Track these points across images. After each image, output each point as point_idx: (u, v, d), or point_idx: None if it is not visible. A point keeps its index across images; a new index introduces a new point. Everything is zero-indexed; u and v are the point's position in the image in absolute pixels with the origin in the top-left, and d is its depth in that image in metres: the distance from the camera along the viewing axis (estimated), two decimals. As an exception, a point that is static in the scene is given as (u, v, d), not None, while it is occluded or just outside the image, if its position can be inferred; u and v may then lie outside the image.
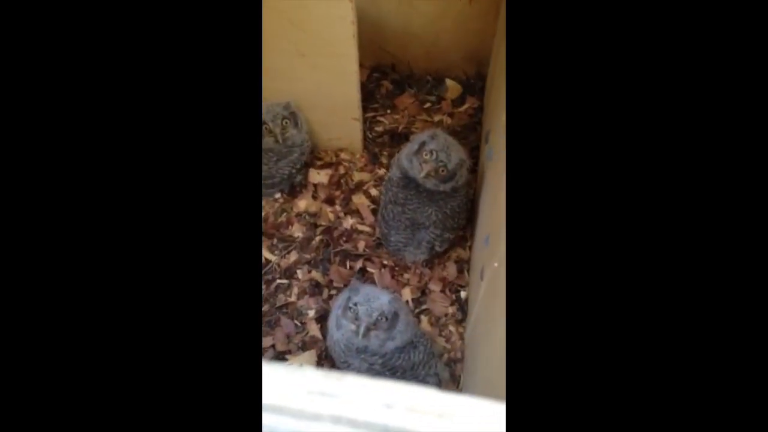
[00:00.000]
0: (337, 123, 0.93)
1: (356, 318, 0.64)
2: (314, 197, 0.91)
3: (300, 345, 0.75)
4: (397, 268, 0.83)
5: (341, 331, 0.64)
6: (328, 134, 0.95)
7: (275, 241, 0.85)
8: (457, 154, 0.74)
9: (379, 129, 1.02)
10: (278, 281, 0.81)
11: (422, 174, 0.73)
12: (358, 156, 0.98)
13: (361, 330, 0.63)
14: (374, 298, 0.64)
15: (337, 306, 0.67)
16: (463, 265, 0.84)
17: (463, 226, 0.83)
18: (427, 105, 1.04)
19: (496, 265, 0.55)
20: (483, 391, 0.57)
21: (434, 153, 0.73)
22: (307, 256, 0.83)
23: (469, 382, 0.67)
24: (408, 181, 0.76)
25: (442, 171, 0.73)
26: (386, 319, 0.64)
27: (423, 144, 0.74)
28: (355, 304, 0.64)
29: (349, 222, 0.88)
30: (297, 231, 0.86)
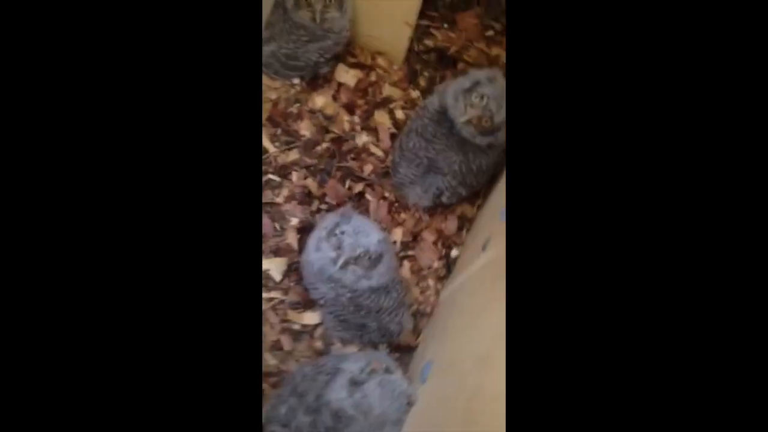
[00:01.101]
0: (386, 22, 0.80)
1: (339, 247, 0.59)
2: (334, 98, 0.81)
3: (273, 249, 0.70)
4: (396, 205, 0.77)
5: (319, 254, 0.60)
6: (370, 30, 0.83)
7: (279, 131, 0.77)
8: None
9: (429, 43, 0.89)
10: (270, 176, 0.74)
11: (463, 118, 0.64)
12: (395, 67, 0.86)
13: (340, 261, 0.58)
14: (363, 233, 0.59)
15: (322, 226, 0.61)
16: (465, 223, 0.78)
17: (481, 187, 0.76)
18: (490, 33, 0.90)
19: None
20: (443, 362, 0.55)
21: (485, 99, 0.63)
22: (308, 161, 0.76)
23: (430, 342, 0.65)
24: (444, 118, 0.67)
25: (486, 122, 0.64)
26: (369, 258, 0.59)
27: (477, 84, 0.64)
28: (342, 233, 0.59)
29: (363, 139, 0.79)
30: (305, 129, 0.78)
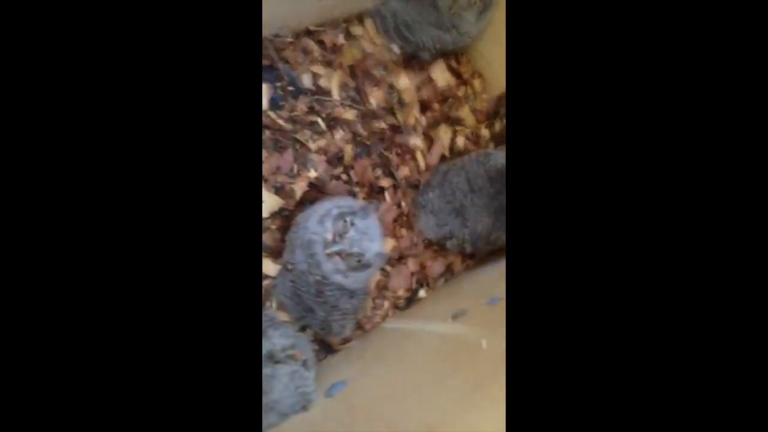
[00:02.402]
0: (503, 54, 0.77)
1: (340, 234, 0.57)
2: (418, 88, 0.78)
3: (277, 186, 0.67)
4: (404, 219, 0.75)
5: (318, 227, 0.57)
6: (487, 51, 0.79)
7: (352, 85, 0.73)
8: None
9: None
10: (318, 119, 0.70)
11: None
12: (485, 96, 0.83)
13: (331, 249, 0.56)
14: (369, 238, 0.57)
15: (337, 205, 0.59)
16: (448, 275, 0.78)
17: (483, 255, 0.76)
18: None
19: (483, 342, 0.49)
20: (355, 393, 0.55)
21: None
22: (359, 129, 0.72)
23: (349, 360, 0.64)
24: (498, 182, 0.66)
25: None
26: (358, 261, 0.57)
27: None
28: (352, 224, 0.57)
29: (417, 142, 0.77)
30: (374, 98, 0.74)
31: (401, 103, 0.76)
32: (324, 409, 0.54)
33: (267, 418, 0.53)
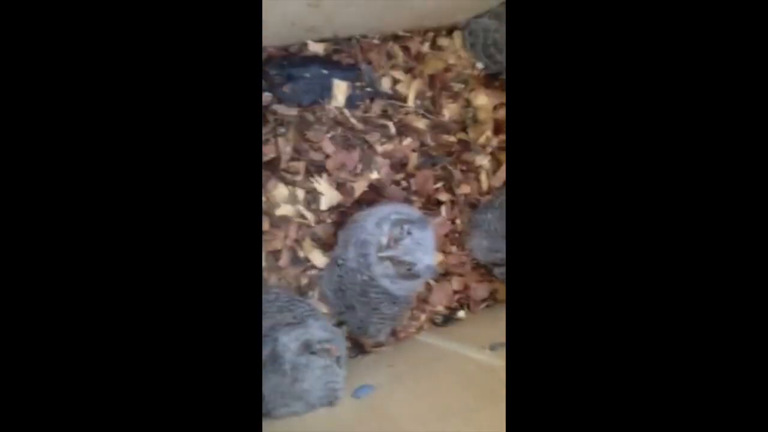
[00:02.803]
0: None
1: (395, 240, 0.57)
2: (495, 108, 0.76)
3: (339, 182, 0.68)
4: (456, 236, 0.74)
5: (375, 230, 0.57)
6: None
7: (429, 94, 0.73)
8: None
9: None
10: (390, 123, 0.70)
11: None
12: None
13: (385, 253, 0.56)
14: (423, 249, 0.57)
15: (397, 211, 0.59)
16: (491, 300, 0.76)
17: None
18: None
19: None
20: (381, 402, 0.55)
21: None
22: (428, 140, 0.72)
23: (379, 366, 0.64)
24: None
25: None
26: (408, 270, 0.57)
27: None
28: (409, 233, 0.56)
29: (484, 162, 0.75)
30: (449, 111, 0.74)
31: (475, 120, 0.75)
32: (349, 408, 0.54)
33: (294, 406, 0.54)
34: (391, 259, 0.57)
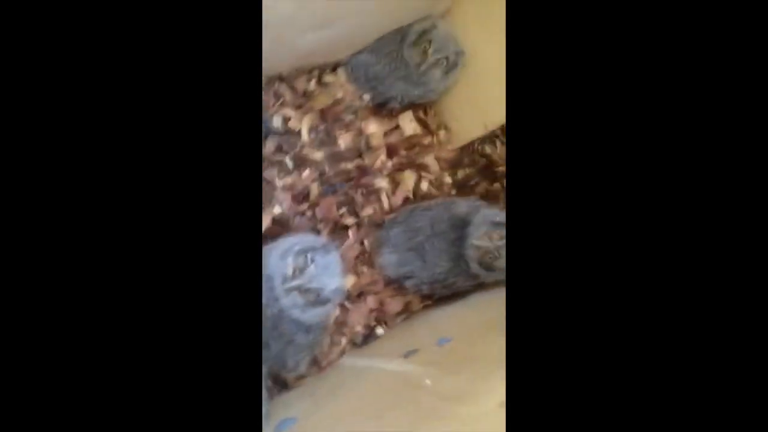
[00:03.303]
0: (471, 109, 0.83)
1: (300, 270, 0.59)
2: (385, 134, 0.82)
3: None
4: (366, 256, 0.78)
5: (279, 262, 0.59)
6: (454, 107, 0.85)
7: (322, 127, 0.77)
8: None
9: (488, 150, 0.92)
10: (287, 159, 0.73)
11: (476, 241, 0.67)
12: (449, 147, 0.88)
13: (290, 284, 0.58)
14: (329, 274, 0.59)
15: (301, 240, 0.61)
16: (407, 313, 0.80)
17: (441, 297, 0.78)
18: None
19: (427, 382, 0.51)
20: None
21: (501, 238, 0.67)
22: (327, 169, 0.76)
23: (301, 398, 0.65)
24: (459, 229, 0.69)
25: (490, 258, 0.67)
26: (317, 296, 0.59)
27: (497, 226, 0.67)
28: (312, 261, 0.59)
29: (382, 184, 0.80)
30: (344, 141, 0.78)
31: (369, 147, 0.80)
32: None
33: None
34: (297, 288, 0.58)
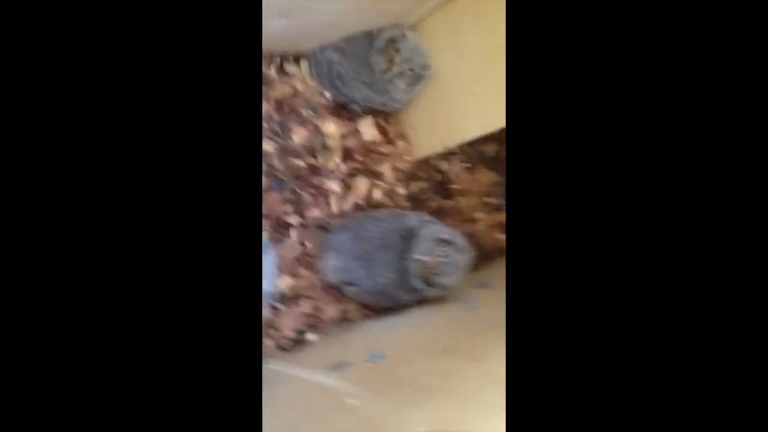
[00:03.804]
0: (433, 124, 0.83)
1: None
2: (343, 136, 0.80)
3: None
4: (306, 258, 0.75)
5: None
6: (417, 116, 0.85)
7: (277, 118, 0.73)
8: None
9: (444, 167, 0.92)
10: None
11: (419, 256, 0.65)
12: (407, 158, 0.87)
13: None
14: (264, 276, 0.55)
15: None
16: (343, 322, 0.77)
17: (380, 309, 0.76)
18: (491, 200, 0.96)
19: (351, 401, 0.48)
20: None
21: (448, 263, 0.66)
22: (276, 162, 0.72)
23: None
24: (407, 241, 0.68)
25: (434, 274, 0.66)
26: None
27: (449, 247, 0.66)
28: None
29: (333, 187, 0.78)
30: (298, 136, 0.75)
31: (324, 146, 0.78)
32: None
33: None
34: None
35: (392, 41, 0.72)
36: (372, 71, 0.73)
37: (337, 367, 0.60)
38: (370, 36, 0.72)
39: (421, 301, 0.72)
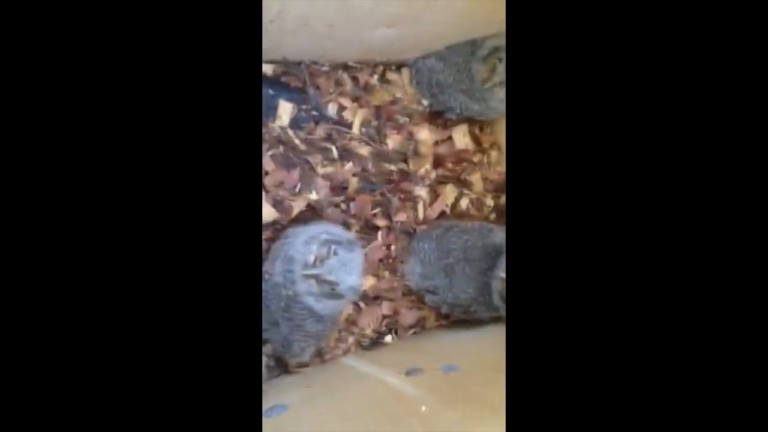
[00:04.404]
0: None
1: (320, 260, 0.58)
2: (436, 143, 0.81)
3: (276, 200, 0.69)
4: (390, 261, 0.76)
5: (302, 248, 0.59)
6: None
7: (374, 123, 0.76)
8: None
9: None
10: (333, 147, 0.73)
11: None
12: (499, 169, 0.86)
13: (308, 271, 0.57)
14: (347, 270, 0.58)
15: (327, 231, 0.60)
16: (418, 328, 0.77)
17: (454, 320, 0.76)
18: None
19: (423, 408, 0.49)
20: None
21: None
22: (369, 167, 0.75)
23: (305, 381, 0.64)
24: (495, 257, 0.66)
25: None
26: (332, 290, 0.58)
27: None
28: (335, 254, 0.58)
29: (422, 193, 0.79)
30: (393, 142, 0.77)
31: (416, 153, 0.79)
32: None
33: None
34: (315, 277, 0.58)
35: (495, 50, 0.71)
36: (472, 80, 0.72)
37: (411, 372, 0.60)
38: (473, 44, 0.72)
39: (498, 319, 0.70)
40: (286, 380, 0.67)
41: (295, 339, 0.63)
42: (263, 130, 0.68)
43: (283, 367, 0.68)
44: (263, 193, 0.68)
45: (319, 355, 0.70)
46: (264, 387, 0.59)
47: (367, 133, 0.76)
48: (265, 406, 0.57)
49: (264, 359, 0.65)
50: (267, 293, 0.61)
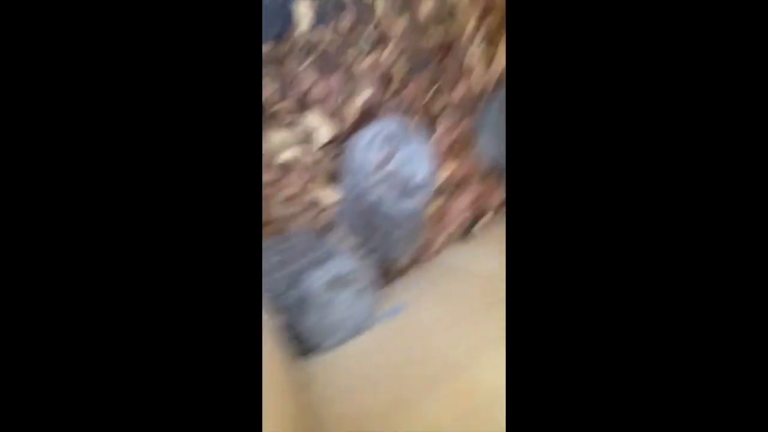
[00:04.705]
0: None
1: (387, 158, 0.54)
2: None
3: (332, 112, 0.64)
4: (456, 146, 0.70)
5: (364, 152, 0.55)
6: None
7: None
8: None
9: None
10: (360, 34, 0.65)
11: None
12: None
13: (379, 174, 0.54)
14: (420, 159, 0.54)
15: (385, 125, 0.55)
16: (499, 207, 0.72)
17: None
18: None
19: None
20: (411, 320, 0.55)
21: None
22: (409, 45, 0.66)
23: (408, 286, 0.64)
24: None
25: None
26: (409, 185, 0.55)
27: None
28: (399, 148, 0.53)
29: (472, 59, 0.69)
30: (424, 3, 0.66)
31: (451, 14, 0.68)
32: (377, 334, 0.55)
33: (324, 342, 0.55)
34: (385, 180, 0.54)
35: None
36: None
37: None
38: None
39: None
40: (395, 284, 0.67)
41: (388, 248, 0.62)
42: (290, 44, 0.62)
43: (385, 275, 0.68)
44: (316, 108, 0.63)
45: (418, 254, 0.69)
46: (373, 297, 0.60)
47: (396, 7, 0.66)
48: (383, 311, 0.58)
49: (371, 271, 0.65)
50: (353, 208, 0.60)
